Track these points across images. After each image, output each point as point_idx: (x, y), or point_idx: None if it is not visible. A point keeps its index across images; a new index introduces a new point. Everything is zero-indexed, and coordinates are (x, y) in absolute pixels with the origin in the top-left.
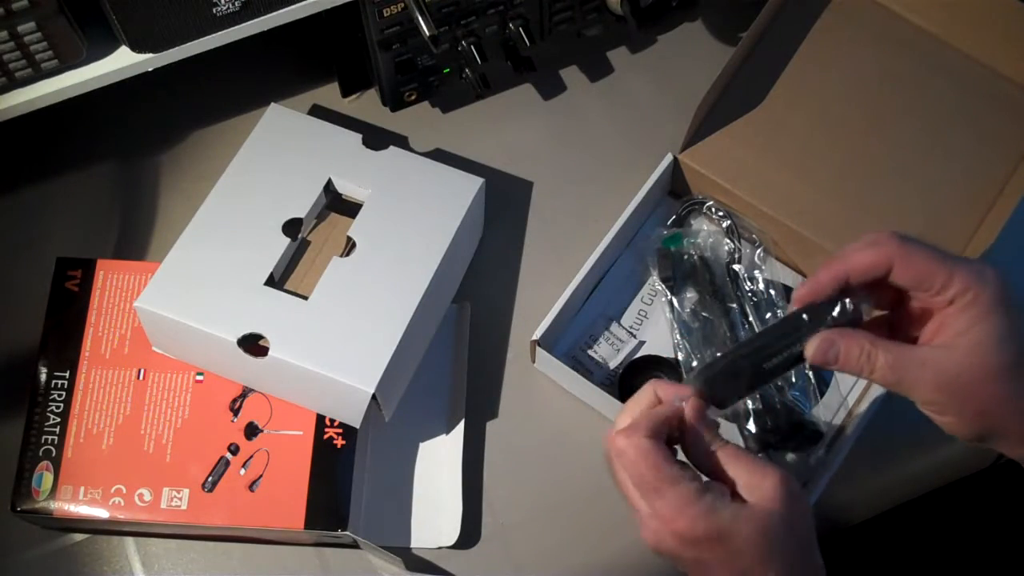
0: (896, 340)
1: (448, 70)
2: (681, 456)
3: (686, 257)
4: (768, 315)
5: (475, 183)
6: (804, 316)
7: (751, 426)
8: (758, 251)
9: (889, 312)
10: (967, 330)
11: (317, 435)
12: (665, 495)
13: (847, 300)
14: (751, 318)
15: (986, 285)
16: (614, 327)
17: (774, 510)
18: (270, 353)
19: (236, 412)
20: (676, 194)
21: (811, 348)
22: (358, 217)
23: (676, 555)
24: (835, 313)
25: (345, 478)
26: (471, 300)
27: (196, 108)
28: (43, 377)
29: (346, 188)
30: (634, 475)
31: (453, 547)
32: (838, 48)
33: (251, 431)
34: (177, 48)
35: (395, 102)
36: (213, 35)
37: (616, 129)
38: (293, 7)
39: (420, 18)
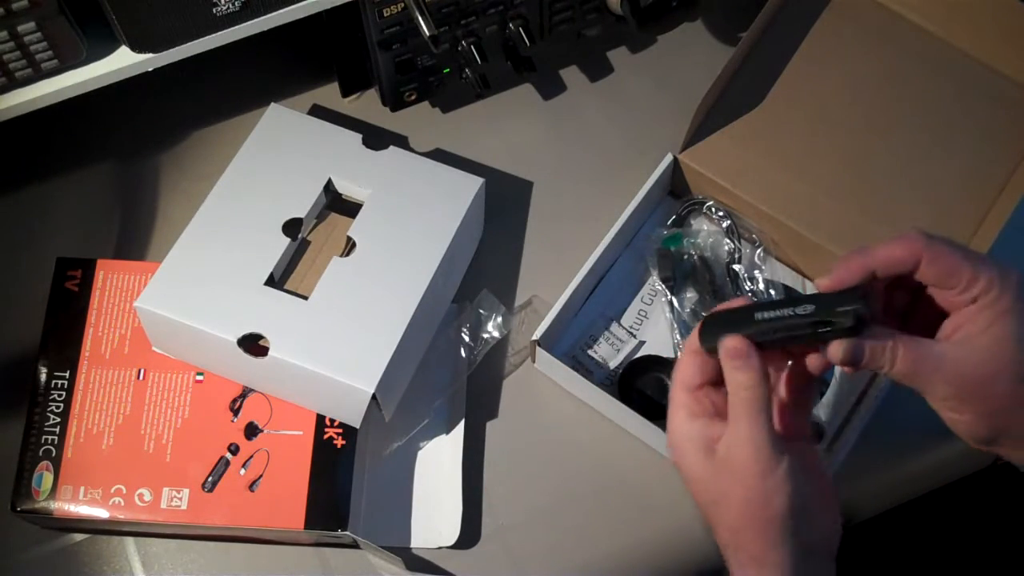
0: (911, 335)
1: (448, 70)
2: None
3: (686, 257)
4: None
5: (475, 183)
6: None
7: None
8: (758, 251)
9: (905, 307)
10: (987, 328)
11: (317, 435)
12: (672, 417)
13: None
14: None
15: (1009, 285)
16: (614, 327)
17: (749, 481)
18: (270, 353)
19: (236, 412)
20: (676, 194)
21: (839, 352)
22: (358, 217)
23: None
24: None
25: (345, 478)
26: (471, 300)
27: (196, 108)
28: (43, 377)
29: (346, 188)
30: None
31: (453, 547)
32: (838, 48)
33: (251, 431)
34: (177, 48)
35: (395, 102)
36: (213, 35)
37: (616, 129)
38: (293, 7)
39: (420, 18)
